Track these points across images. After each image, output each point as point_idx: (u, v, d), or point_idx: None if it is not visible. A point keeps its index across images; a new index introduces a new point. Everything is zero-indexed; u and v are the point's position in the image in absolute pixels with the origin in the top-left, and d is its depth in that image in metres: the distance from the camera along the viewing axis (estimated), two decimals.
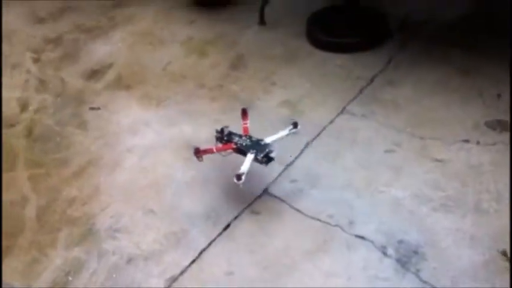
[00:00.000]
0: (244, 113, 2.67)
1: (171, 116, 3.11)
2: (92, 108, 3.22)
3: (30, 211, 2.61)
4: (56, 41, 3.87)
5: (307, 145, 2.78)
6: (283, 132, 2.60)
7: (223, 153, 2.54)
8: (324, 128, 2.86)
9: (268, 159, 2.46)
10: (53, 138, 3.02)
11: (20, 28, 4.08)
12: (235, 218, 2.46)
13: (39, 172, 2.82)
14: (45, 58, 3.71)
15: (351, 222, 2.36)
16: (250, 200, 2.53)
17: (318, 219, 2.39)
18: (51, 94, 3.36)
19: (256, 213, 2.48)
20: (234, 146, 2.52)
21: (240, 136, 2.57)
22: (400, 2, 3.73)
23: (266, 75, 3.31)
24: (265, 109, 3.05)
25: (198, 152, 2.52)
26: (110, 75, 3.48)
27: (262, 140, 2.52)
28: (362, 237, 2.30)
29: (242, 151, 2.50)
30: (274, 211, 2.48)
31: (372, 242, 2.28)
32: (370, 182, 2.54)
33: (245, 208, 2.50)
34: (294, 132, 2.61)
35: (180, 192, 2.63)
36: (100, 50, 3.73)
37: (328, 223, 2.37)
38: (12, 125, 3.15)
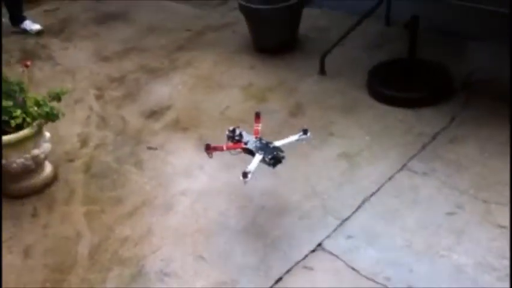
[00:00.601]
0: (257, 116, 2.76)
1: (226, 161, 3.08)
2: (150, 148, 3.25)
3: (83, 248, 2.62)
4: (119, 80, 3.97)
5: (364, 200, 2.70)
6: (292, 137, 2.69)
7: (232, 151, 2.66)
8: (383, 184, 2.78)
9: (275, 162, 2.53)
10: (110, 176, 3.06)
11: (85, 65, 4.22)
12: (287, 271, 2.39)
13: (95, 209, 2.84)
14: (107, 96, 3.80)
15: (410, 287, 2.25)
16: (303, 254, 2.46)
17: (374, 281, 2.29)
18: (111, 131, 3.43)
19: (309, 268, 2.40)
20: (244, 146, 2.61)
21: (251, 137, 2.64)
22: (464, 59, 3.66)
23: (324, 124, 3.27)
24: (321, 160, 3.01)
25: (209, 149, 2.65)
26: (169, 117, 3.53)
27: (271, 142, 2.61)
28: None
29: (251, 151, 2.59)
30: (328, 268, 2.39)
31: None
32: (430, 245, 2.43)
33: (298, 262, 2.42)
34: (303, 139, 2.68)
35: (231, 240, 2.59)
36: (160, 91, 3.79)
37: (384, 286, 2.27)
38: (71, 160, 3.21)
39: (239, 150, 2.63)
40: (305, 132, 2.69)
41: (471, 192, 2.68)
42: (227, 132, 2.70)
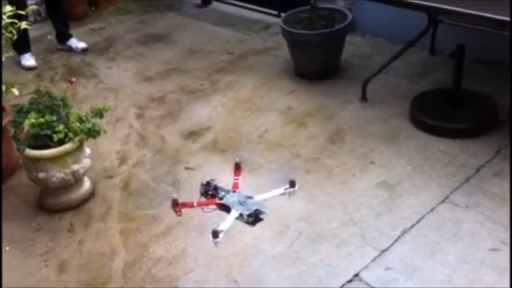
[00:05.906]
0: (237, 167, 2.49)
1: (262, 184, 3.05)
2: (187, 168, 3.25)
3: (117, 265, 2.62)
4: (160, 100, 4.01)
5: (404, 232, 2.63)
6: (277, 191, 2.39)
7: (205, 208, 2.35)
8: (424, 216, 2.70)
9: (255, 219, 2.26)
10: (146, 194, 3.06)
11: (127, 84, 4.28)
12: None
13: (131, 226, 2.84)
14: (148, 115, 3.84)
15: None
16: (339, 284, 2.39)
17: None
18: (150, 150, 3.45)
19: None
20: (218, 201, 2.33)
21: (228, 191, 2.37)
22: None
23: (364, 152, 3.22)
24: (360, 188, 2.95)
25: (176, 205, 2.35)
26: (207, 138, 3.53)
27: (252, 197, 2.32)
28: None
29: (227, 207, 2.30)
30: None
31: None
32: (472, 281, 2.34)
33: None
34: (289, 192, 2.40)
35: (266, 265, 2.54)
36: (200, 112, 3.81)
37: None
38: (110, 177, 3.24)
39: (213, 206, 2.36)
40: (292, 184, 2.40)
41: None
42: (200, 187, 2.41)
